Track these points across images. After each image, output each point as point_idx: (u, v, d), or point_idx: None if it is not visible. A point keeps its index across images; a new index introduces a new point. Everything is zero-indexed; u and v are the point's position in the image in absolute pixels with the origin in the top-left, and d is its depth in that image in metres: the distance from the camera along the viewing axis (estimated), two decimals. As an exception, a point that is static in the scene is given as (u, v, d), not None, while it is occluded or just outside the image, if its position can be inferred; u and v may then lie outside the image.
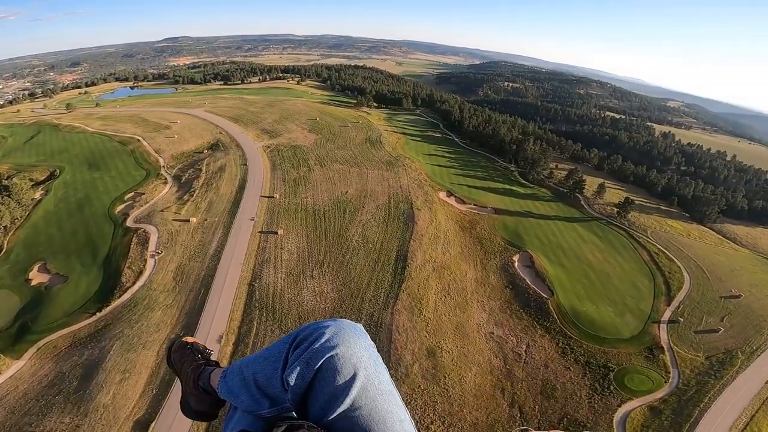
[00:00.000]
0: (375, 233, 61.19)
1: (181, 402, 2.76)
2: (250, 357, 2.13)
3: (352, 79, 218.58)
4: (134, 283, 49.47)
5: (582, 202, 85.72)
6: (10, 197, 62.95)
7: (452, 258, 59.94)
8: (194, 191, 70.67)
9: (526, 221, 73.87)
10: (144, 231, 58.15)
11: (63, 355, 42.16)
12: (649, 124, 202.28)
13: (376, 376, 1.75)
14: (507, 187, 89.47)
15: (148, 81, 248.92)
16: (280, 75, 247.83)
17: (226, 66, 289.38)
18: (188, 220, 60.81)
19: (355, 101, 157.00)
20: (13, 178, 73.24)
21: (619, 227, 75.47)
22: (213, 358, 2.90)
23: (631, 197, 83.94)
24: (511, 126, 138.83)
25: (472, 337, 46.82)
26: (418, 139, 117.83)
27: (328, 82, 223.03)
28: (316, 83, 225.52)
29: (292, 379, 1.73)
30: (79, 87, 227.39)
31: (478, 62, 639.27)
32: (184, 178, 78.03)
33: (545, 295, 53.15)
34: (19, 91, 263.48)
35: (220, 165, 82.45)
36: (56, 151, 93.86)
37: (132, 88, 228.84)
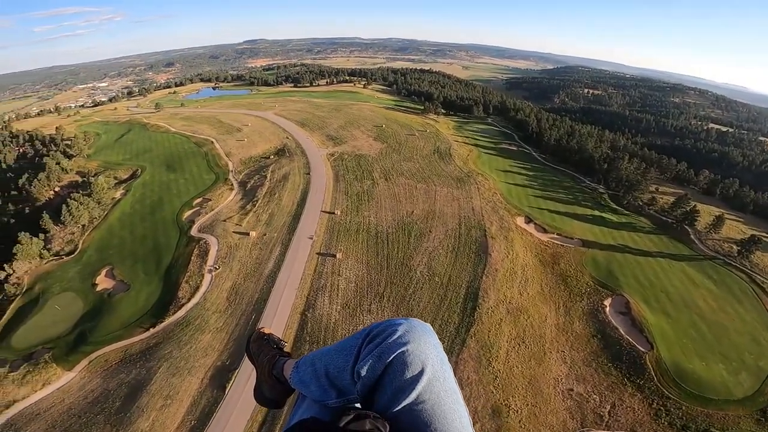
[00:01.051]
0: (442, 264, 53.85)
1: (254, 389, 2.86)
2: (323, 350, 2.20)
3: (418, 84, 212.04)
4: (189, 299, 47.62)
5: (692, 236, 70.45)
6: (90, 196, 65.46)
7: (530, 299, 51.07)
8: (257, 201, 68.97)
9: (621, 257, 61.87)
10: (205, 242, 56.84)
11: (112, 370, 41.05)
12: (761, 138, 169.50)
13: (441, 373, 1.83)
14: (596, 213, 76.56)
15: (227, 82, 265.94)
16: (347, 78, 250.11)
17: (297, 68, 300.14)
18: (248, 234, 58.57)
19: (422, 107, 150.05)
20: (99, 176, 77.47)
21: (739, 269, 60.47)
22: (286, 349, 2.99)
23: (756, 233, 67.69)
24: (599, 139, 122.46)
25: (546, 394, 39.32)
26: (491, 152, 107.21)
27: (394, 86, 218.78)
28: (382, 87, 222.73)
29: (363, 371, 1.82)
30: (169, 87, 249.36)
31: (551, 67, 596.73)
32: (249, 185, 77.24)
33: (642, 349, 43.95)
34: (122, 89, 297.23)
35: (285, 173, 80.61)
36: (141, 151, 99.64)
37: (214, 88, 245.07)
